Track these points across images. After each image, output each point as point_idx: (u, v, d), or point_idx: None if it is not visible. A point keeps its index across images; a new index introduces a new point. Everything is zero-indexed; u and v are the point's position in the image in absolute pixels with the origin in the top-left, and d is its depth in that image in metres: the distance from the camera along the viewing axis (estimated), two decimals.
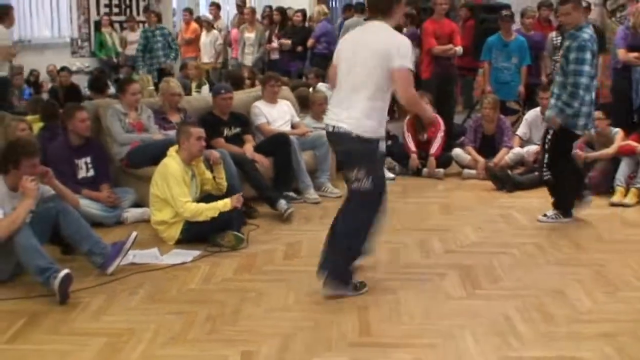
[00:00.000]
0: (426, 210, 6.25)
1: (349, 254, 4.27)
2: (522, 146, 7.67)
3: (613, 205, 6.26)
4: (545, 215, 5.87)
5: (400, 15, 4.34)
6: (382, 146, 4.26)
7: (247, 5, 12.80)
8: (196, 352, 3.58)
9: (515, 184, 6.90)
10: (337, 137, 4.19)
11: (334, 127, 4.17)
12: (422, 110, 4.96)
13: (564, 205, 5.86)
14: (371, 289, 4.36)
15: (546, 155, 5.77)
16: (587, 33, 5.48)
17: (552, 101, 5.62)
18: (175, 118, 6.50)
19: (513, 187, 6.87)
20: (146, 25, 11.14)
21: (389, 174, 7.42)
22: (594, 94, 5.63)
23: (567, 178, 5.80)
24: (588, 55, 5.40)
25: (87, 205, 5.54)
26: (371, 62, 4.05)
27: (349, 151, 4.17)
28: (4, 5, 8.54)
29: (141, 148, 6.02)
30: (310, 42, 10.57)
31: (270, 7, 12.29)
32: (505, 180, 6.93)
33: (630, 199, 6.30)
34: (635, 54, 7.70)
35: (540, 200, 6.49)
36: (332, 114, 4.23)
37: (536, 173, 7.06)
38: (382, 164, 4.53)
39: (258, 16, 11.90)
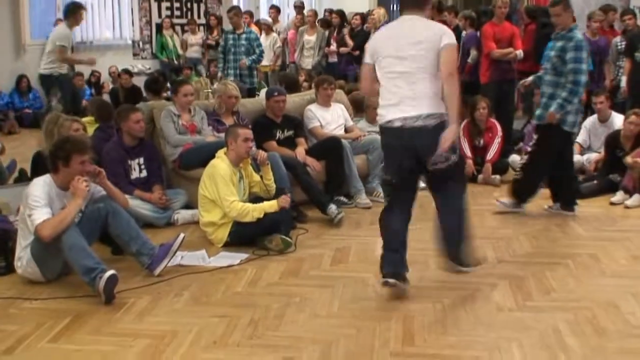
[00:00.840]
0: (480, 217, 6.10)
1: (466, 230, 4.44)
2: (581, 154, 7.47)
3: None
4: (502, 202, 6.20)
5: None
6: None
7: (306, 8, 12.78)
8: (237, 356, 3.56)
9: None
10: (411, 134, 4.11)
11: (402, 122, 4.10)
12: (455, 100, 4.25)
13: (521, 193, 6.16)
14: (418, 298, 4.28)
15: (525, 157, 6.20)
16: (579, 34, 5.84)
17: (544, 100, 5.89)
18: (229, 120, 6.51)
19: None
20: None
21: None
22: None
23: (539, 170, 6.04)
24: (584, 54, 5.73)
25: (139, 206, 5.63)
26: (423, 51, 4.10)
27: (431, 144, 4.10)
28: (72, 3, 8.52)
29: (193, 150, 6.05)
30: None
31: (331, 10, 12.26)
32: None
33: None
34: None
35: (599, 209, 6.33)
36: (397, 110, 4.14)
37: (595, 182, 6.89)
38: None
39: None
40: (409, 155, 4.19)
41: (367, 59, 4.33)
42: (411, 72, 4.11)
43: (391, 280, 4.21)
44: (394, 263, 4.30)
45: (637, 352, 3.56)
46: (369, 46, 4.39)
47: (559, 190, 6.18)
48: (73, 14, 8.06)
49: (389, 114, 4.18)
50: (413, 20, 4.21)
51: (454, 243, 4.40)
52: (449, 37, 4.14)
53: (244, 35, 9.41)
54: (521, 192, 6.20)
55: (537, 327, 3.86)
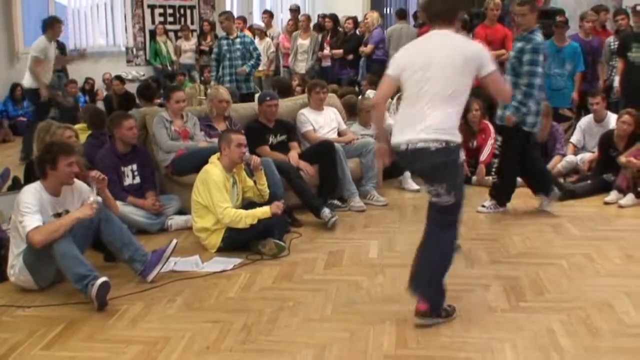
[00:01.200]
0: (474, 219, 6.10)
1: (441, 277, 3.96)
2: (575, 154, 7.48)
3: None
4: (483, 205, 6.27)
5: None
6: (462, 155, 3.95)
7: (302, 12, 12.78)
8: None
9: (567, 193, 6.69)
10: (413, 155, 3.85)
11: (407, 144, 3.84)
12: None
13: (500, 194, 6.27)
14: (411, 300, 4.23)
15: (496, 161, 6.32)
16: (539, 36, 5.84)
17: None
18: (221, 126, 6.50)
19: (565, 196, 6.65)
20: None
21: None
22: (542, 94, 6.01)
23: (510, 170, 6.16)
24: (541, 58, 5.76)
25: (132, 212, 5.63)
26: (451, 70, 3.79)
27: (429, 167, 3.87)
28: (49, 17, 8.71)
29: (186, 156, 6.04)
30: (369, 48, 10.48)
31: (324, 15, 12.28)
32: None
33: None
34: None
35: (593, 209, 6.34)
36: (406, 132, 3.86)
37: (589, 181, 6.89)
38: (462, 174, 4.08)
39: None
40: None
41: (390, 71, 4.01)
42: (434, 96, 3.80)
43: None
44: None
45: (630, 351, 3.56)
46: (394, 59, 4.07)
47: (534, 184, 6.26)
48: (51, 27, 8.26)
49: (397, 137, 3.94)
50: (445, 38, 3.89)
51: (415, 280, 3.97)
52: (489, 62, 3.84)
53: (238, 40, 9.37)
54: (501, 194, 6.30)
55: (530, 327, 3.86)
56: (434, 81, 3.81)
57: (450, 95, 3.80)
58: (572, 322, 3.91)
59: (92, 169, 5.14)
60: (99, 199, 4.65)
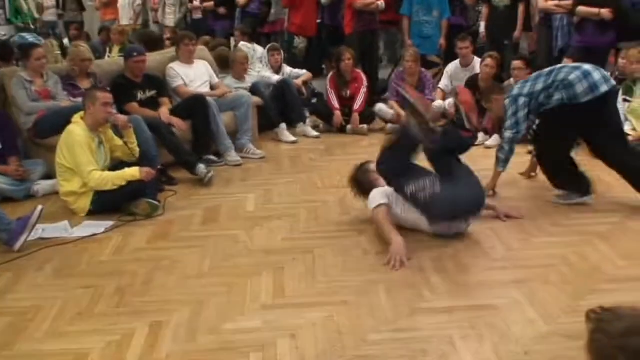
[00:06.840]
0: (349, 167, 6.08)
1: None
2: (444, 99, 7.65)
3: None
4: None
5: None
6: None
7: None
8: (103, 326, 3.44)
9: None
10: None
11: None
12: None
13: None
14: (289, 250, 4.30)
15: None
16: None
17: None
18: (85, 84, 6.23)
19: None
20: None
21: (313, 132, 7.38)
22: None
23: None
24: None
25: None
26: None
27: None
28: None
29: (48, 117, 5.76)
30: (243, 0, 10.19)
31: None
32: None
33: None
34: (554, 2, 7.76)
35: None
36: None
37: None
38: None
39: None
40: None
41: None
42: None
43: None
44: None
45: (497, 284, 3.71)
46: None
47: None
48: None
49: None
50: None
51: None
52: None
53: None
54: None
55: (403, 268, 3.95)
56: None
57: None
58: (442, 259, 4.04)
59: None
60: None
